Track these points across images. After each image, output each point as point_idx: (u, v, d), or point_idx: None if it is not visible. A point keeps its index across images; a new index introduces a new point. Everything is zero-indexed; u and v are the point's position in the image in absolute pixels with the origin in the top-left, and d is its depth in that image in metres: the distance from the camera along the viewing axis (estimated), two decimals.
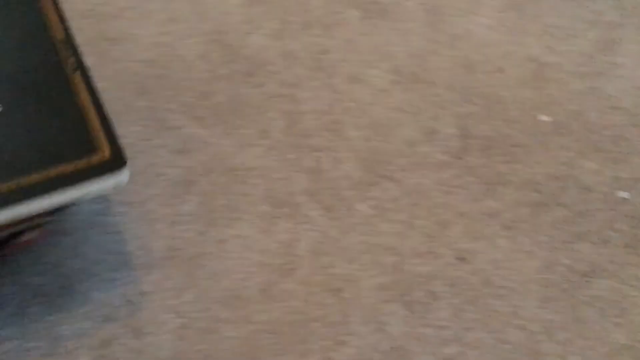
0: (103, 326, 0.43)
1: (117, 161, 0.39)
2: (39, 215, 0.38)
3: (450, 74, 0.56)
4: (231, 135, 0.53)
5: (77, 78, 0.41)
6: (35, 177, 0.37)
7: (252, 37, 0.59)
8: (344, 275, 0.46)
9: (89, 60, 0.54)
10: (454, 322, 0.44)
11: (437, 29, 0.59)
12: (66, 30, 0.43)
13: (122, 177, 0.39)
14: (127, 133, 0.52)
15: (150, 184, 0.50)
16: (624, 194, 0.54)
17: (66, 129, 0.39)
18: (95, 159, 0.38)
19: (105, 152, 0.39)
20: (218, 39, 0.59)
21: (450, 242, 0.47)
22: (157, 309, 0.44)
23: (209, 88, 0.56)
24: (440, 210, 0.48)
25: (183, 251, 0.47)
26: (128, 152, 0.49)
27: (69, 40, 0.42)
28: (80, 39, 0.49)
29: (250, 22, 0.61)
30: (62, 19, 0.43)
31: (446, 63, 0.57)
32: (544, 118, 0.57)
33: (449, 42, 0.58)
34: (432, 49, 0.58)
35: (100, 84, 0.53)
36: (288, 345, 0.43)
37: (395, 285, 0.45)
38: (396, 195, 0.49)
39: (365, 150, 0.52)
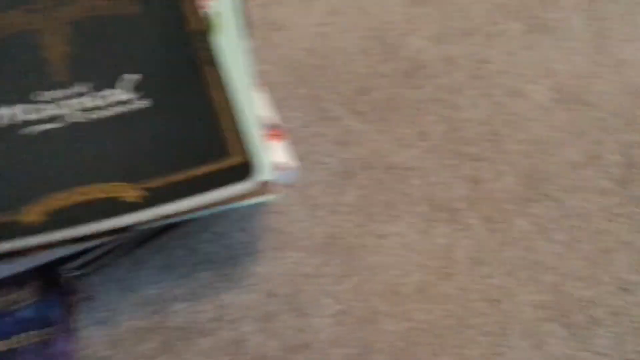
0: (266, 300, 0.45)
1: (249, 169, 0.36)
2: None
3: (614, 99, 0.56)
4: (389, 133, 0.54)
5: (208, 73, 0.39)
6: (175, 177, 0.35)
7: (412, 38, 0.60)
8: (502, 288, 0.46)
9: (253, 43, 0.56)
10: (614, 351, 0.43)
11: (602, 51, 0.58)
12: (200, 23, 0.42)
13: (251, 184, 0.37)
14: (288, 119, 0.54)
15: (312, 170, 0.52)
16: None
17: (200, 127, 0.37)
18: (228, 163, 0.36)
19: (238, 156, 0.36)
20: (378, 35, 0.60)
21: (613, 270, 0.47)
22: (317, 292, 0.46)
23: (368, 84, 0.57)
24: (603, 236, 0.48)
25: (342, 240, 0.48)
26: (289, 138, 0.51)
27: (202, 32, 0.41)
28: (246, 22, 0.50)
29: (410, 23, 0.61)
30: (196, 12, 0.42)
31: (610, 87, 0.56)
32: None
33: (614, 66, 0.57)
34: (596, 71, 0.57)
35: (263, 67, 0.56)
36: (445, 347, 0.44)
37: (554, 305, 0.45)
38: (557, 215, 0.49)
39: (526, 166, 0.52)
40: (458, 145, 0.53)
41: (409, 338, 0.44)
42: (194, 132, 0.36)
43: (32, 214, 0.32)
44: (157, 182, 0.34)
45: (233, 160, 0.36)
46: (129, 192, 0.34)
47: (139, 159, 0.35)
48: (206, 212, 0.37)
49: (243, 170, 0.36)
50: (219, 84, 0.38)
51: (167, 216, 0.36)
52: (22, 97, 0.37)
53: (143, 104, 0.37)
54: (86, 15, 0.40)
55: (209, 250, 0.47)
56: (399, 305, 0.45)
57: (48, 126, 0.36)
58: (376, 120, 0.55)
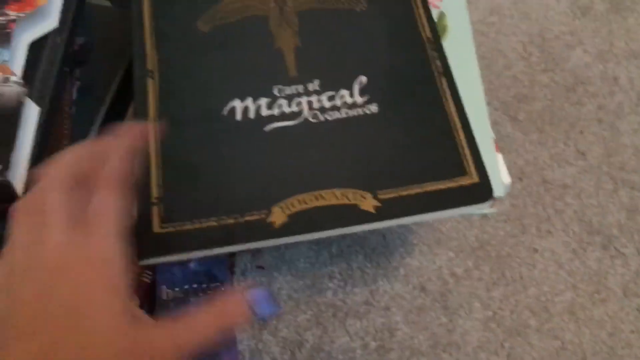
0: (417, 294, 0.46)
1: (485, 189, 0.34)
2: None
3: None
4: (546, 147, 0.53)
5: (444, 84, 0.37)
6: (408, 190, 0.33)
7: (575, 52, 0.59)
8: None
9: None
10: None
11: None
12: (433, 29, 0.39)
13: (486, 206, 0.34)
14: None
15: None
16: None
17: (435, 140, 0.35)
18: (463, 182, 0.34)
19: (473, 176, 0.34)
20: (539, 44, 0.59)
21: None
22: (466, 294, 0.46)
23: (527, 91, 0.57)
24: None
25: (494, 247, 0.48)
26: None
27: (436, 40, 0.39)
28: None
29: (574, 35, 0.60)
30: (429, 17, 0.40)
31: None
32: None
33: None
34: None
35: None
36: None
37: None
38: None
39: None
40: (616, 171, 0.52)
41: (557, 357, 0.44)
42: (429, 146, 0.35)
43: (278, 215, 0.32)
44: (390, 194, 0.33)
45: (469, 179, 0.34)
46: (365, 201, 0.33)
47: (372, 167, 0.34)
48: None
49: (479, 190, 0.34)
50: (453, 97, 0.36)
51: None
52: (265, 91, 0.36)
53: (371, 108, 0.36)
54: (313, 7, 0.40)
55: (362, 235, 0.48)
56: (548, 322, 0.45)
57: (287, 123, 0.35)
58: (534, 130, 0.54)
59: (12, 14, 0.37)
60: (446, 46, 0.39)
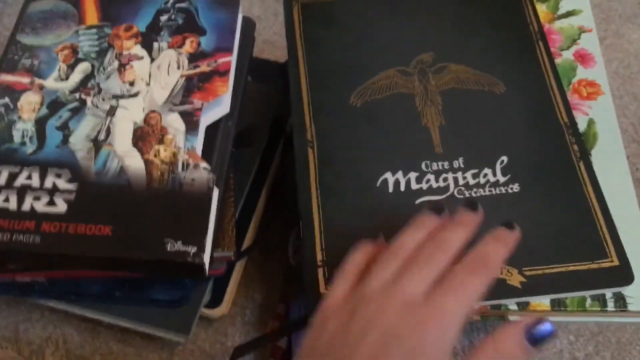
0: None
1: (625, 273, 0.36)
2: None
3: None
4: None
5: (582, 168, 0.39)
6: (551, 269, 0.35)
7: None
8: None
9: None
10: None
11: None
12: (570, 114, 0.41)
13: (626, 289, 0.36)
14: None
15: None
16: None
17: (576, 222, 0.37)
18: (603, 264, 0.36)
19: (614, 259, 0.36)
20: None
21: None
22: None
23: None
24: None
25: (614, 333, 0.46)
26: None
27: (572, 124, 0.41)
28: None
29: None
30: (566, 102, 0.42)
31: None
32: None
33: None
34: None
35: None
36: None
37: None
38: None
39: None
40: None
41: None
42: (570, 227, 0.37)
43: None
44: (535, 271, 0.35)
45: (609, 262, 0.36)
46: (511, 277, 0.35)
47: (517, 244, 0.34)
48: None
49: (619, 273, 0.35)
50: (591, 181, 0.38)
51: None
52: (414, 165, 0.39)
53: (513, 187, 0.38)
54: (455, 87, 0.43)
55: None
56: None
57: (432, 198, 0.38)
58: None
59: (197, 102, 0.41)
60: (595, 155, 0.41)
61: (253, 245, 0.45)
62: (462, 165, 0.39)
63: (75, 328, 0.45)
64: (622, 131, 0.57)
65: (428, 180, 0.39)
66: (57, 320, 0.45)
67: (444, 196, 0.38)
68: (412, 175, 0.39)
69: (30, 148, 0.39)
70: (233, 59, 0.44)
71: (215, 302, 0.43)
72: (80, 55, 0.43)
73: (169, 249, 0.35)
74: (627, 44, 0.60)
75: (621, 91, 0.59)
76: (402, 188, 0.39)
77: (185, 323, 0.41)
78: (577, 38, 0.48)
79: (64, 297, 0.41)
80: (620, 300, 0.37)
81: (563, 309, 0.36)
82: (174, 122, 0.40)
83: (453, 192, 0.39)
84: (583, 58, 0.47)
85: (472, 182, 0.39)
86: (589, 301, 0.36)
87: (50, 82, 0.42)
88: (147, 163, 0.38)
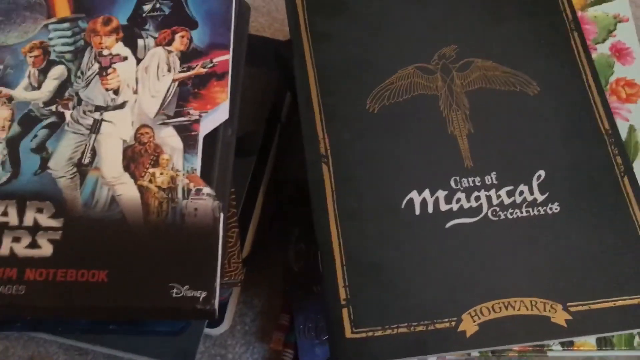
0: None
1: None
2: None
3: None
4: None
5: (627, 184, 0.35)
6: (599, 304, 0.32)
7: None
8: None
9: None
10: None
11: None
12: (611, 119, 0.37)
13: None
14: None
15: None
16: None
17: (624, 249, 0.33)
18: None
19: None
20: None
21: None
22: None
23: None
24: None
25: None
26: None
27: (615, 132, 0.37)
28: None
29: None
30: (606, 106, 0.38)
31: None
32: None
33: None
34: None
35: None
36: None
37: None
38: None
39: None
40: None
41: None
42: (618, 255, 0.33)
43: (468, 323, 0.31)
44: (581, 306, 0.32)
45: None
46: (556, 314, 0.32)
47: (560, 276, 0.32)
48: None
49: None
50: (637, 199, 0.35)
51: None
52: (442, 182, 0.35)
53: (552, 207, 0.34)
54: (482, 86, 0.38)
55: None
56: None
57: (467, 220, 0.34)
58: None
59: (194, 112, 0.35)
60: (638, 168, 0.38)
61: (252, 255, 0.41)
62: (495, 182, 0.35)
63: (60, 346, 0.41)
64: None
65: (458, 200, 0.35)
66: (41, 339, 0.41)
67: (476, 219, 0.34)
68: (441, 194, 0.35)
69: (2, 176, 0.34)
70: (230, 56, 0.38)
71: (216, 321, 0.40)
72: (52, 57, 0.37)
73: (174, 295, 0.31)
74: None
75: None
76: (430, 209, 0.35)
77: (188, 352, 0.37)
78: (613, 29, 0.43)
79: (50, 331, 0.37)
80: None
81: (609, 348, 0.34)
82: (170, 139, 0.35)
83: (487, 213, 0.35)
84: (620, 53, 0.42)
85: (507, 201, 0.35)
86: (637, 339, 0.34)
87: (19, 92, 0.36)
88: (142, 190, 0.33)
